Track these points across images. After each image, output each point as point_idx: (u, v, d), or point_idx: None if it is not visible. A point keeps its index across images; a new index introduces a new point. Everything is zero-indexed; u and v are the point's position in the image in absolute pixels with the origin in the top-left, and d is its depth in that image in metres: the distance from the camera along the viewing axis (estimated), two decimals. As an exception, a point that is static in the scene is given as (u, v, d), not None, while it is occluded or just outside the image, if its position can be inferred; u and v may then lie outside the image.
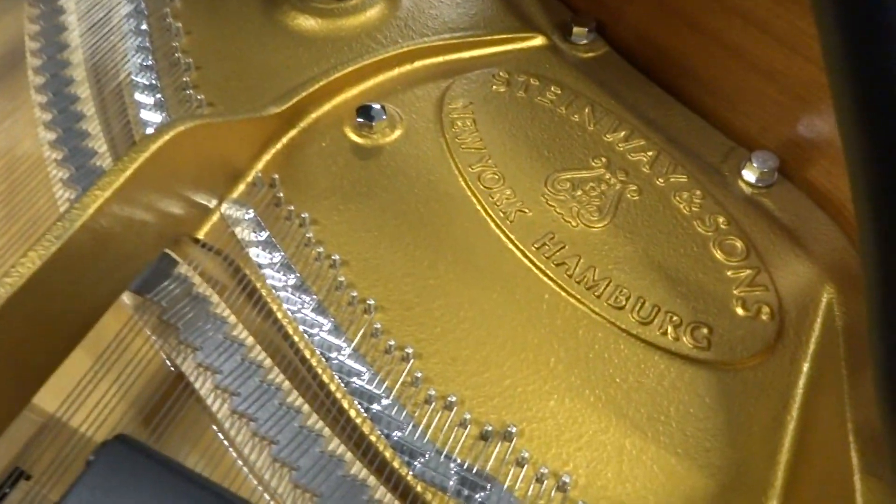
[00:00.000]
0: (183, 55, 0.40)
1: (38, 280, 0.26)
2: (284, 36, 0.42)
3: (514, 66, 0.41)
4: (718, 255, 0.35)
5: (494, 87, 0.40)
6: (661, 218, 0.36)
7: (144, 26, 0.42)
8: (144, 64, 0.40)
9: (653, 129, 0.39)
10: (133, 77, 0.39)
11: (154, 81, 0.39)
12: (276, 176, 0.35)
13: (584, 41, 0.43)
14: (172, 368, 0.31)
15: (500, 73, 0.40)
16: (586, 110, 0.40)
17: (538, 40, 0.43)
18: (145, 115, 0.37)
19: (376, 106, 0.38)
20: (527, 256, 0.34)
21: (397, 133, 0.38)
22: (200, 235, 0.34)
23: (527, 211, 0.36)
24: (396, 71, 0.41)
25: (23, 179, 0.36)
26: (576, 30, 0.42)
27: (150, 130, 0.36)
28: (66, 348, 0.29)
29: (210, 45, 0.41)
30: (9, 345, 0.26)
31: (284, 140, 0.37)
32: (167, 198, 0.32)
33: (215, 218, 0.34)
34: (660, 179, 0.37)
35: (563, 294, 0.33)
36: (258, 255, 0.33)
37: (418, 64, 0.41)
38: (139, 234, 0.31)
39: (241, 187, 0.35)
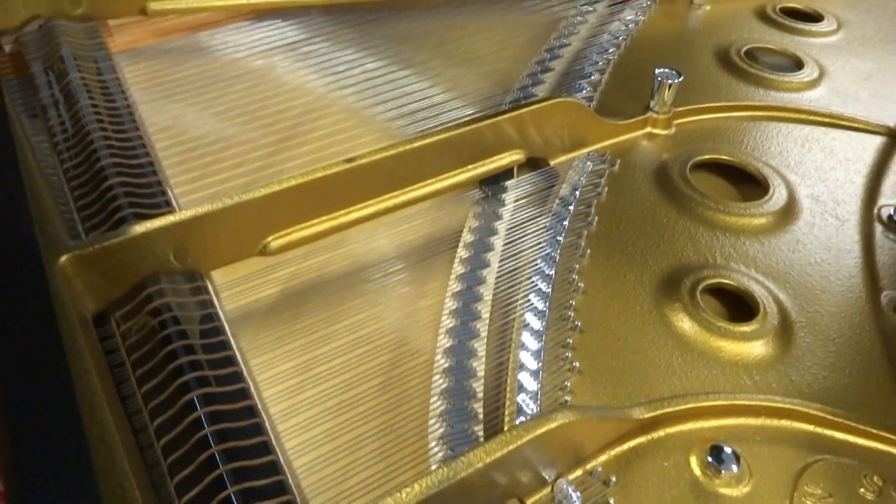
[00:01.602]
0: (574, 313, 0.45)
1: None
2: (665, 330, 0.44)
3: (893, 470, 0.39)
4: None
5: (862, 489, 0.38)
6: None
7: (551, 271, 0.47)
8: (538, 308, 0.45)
9: None
10: (525, 315, 0.44)
11: (541, 327, 0.44)
12: (613, 478, 0.37)
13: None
14: None
15: (874, 478, 0.38)
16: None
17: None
18: (522, 377, 0.41)
19: (730, 451, 0.38)
20: None
21: (742, 490, 0.37)
22: (529, 502, 0.36)
23: None
24: (761, 420, 0.40)
25: (405, 375, 0.42)
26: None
27: (524, 399, 0.39)
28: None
29: (598, 311, 0.45)
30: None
31: (632, 443, 0.39)
32: (526, 469, 0.35)
33: (546, 490, 0.37)
34: None
35: None
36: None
37: (785, 423, 0.40)
38: (487, 491, 0.34)
39: (579, 472, 0.38)
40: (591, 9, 0.79)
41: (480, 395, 0.40)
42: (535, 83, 0.65)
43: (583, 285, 0.46)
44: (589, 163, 0.57)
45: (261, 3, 0.74)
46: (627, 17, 0.77)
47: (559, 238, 0.49)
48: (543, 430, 0.34)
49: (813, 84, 0.68)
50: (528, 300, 0.45)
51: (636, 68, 0.68)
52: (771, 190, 0.54)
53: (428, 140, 0.49)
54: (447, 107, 0.62)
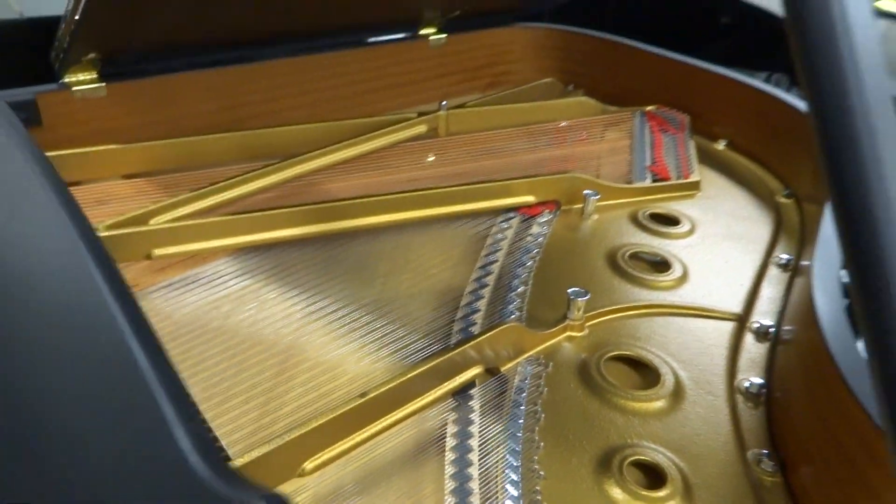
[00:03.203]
0: (540, 496, 0.61)
1: None
2: (604, 499, 0.61)
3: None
4: None
5: None
6: None
7: (518, 463, 0.64)
8: (513, 495, 0.61)
9: None
10: (505, 501, 0.60)
11: (518, 511, 0.59)
12: None
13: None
14: None
15: None
16: None
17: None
18: None
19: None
20: None
21: None
22: None
23: None
24: (681, 564, 0.57)
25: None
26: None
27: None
28: None
29: (556, 491, 0.62)
30: None
31: None
32: None
33: None
34: None
35: None
36: None
37: (697, 562, 0.57)
38: None
39: None
40: (508, 225, 1.01)
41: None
42: (478, 298, 0.84)
43: (543, 472, 0.63)
44: (529, 367, 0.75)
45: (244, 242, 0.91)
46: (536, 231, 1.00)
47: (518, 434, 0.66)
48: None
49: (681, 281, 0.92)
50: (506, 489, 0.61)
51: (550, 277, 0.89)
52: (662, 378, 0.74)
53: (420, 369, 0.67)
54: (416, 332, 0.80)
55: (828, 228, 0.83)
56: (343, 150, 1.15)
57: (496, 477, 0.62)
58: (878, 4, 2.31)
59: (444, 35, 1.47)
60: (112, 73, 1.08)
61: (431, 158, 1.20)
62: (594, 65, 1.53)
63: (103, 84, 1.06)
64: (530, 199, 1.04)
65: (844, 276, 0.74)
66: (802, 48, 0.25)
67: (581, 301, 0.80)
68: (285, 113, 1.28)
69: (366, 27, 1.40)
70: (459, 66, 1.53)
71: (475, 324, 0.80)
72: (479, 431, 0.66)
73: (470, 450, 0.64)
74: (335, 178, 1.13)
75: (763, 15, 2.09)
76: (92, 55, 1.02)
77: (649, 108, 1.38)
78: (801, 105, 1.18)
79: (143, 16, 0.98)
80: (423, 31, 1.46)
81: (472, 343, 0.72)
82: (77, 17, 0.88)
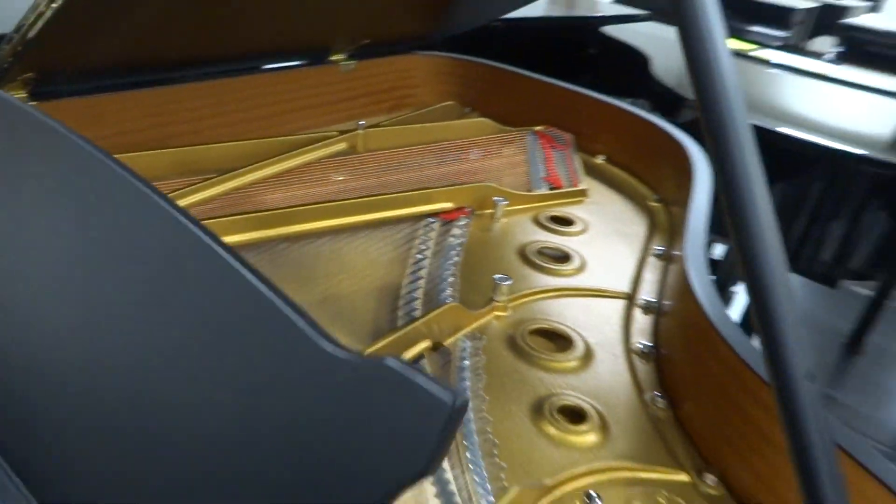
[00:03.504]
0: (491, 435, 0.74)
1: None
2: (540, 435, 0.76)
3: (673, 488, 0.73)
4: None
5: (661, 499, 0.71)
6: None
7: (471, 415, 0.77)
8: (473, 437, 0.74)
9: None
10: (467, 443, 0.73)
11: (477, 448, 0.72)
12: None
13: None
14: None
15: (665, 493, 0.72)
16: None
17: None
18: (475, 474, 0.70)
19: (594, 494, 0.69)
20: None
21: (604, 515, 0.69)
22: None
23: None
24: (607, 475, 0.73)
25: None
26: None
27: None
28: None
29: (504, 432, 0.76)
30: None
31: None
32: None
33: None
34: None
35: None
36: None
37: (616, 475, 0.73)
38: None
39: None
40: (431, 228, 1.15)
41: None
42: (415, 289, 0.97)
43: (491, 418, 0.77)
44: (468, 341, 0.89)
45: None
46: (457, 232, 1.14)
47: (467, 391, 0.80)
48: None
49: (580, 269, 1.09)
50: (464, 431, 0.74)
51: (473, 269, 1.04)
52: (574, 343, 0.90)
53: (376, 345, 0.78)
54: (365, 320, 0.91)
55: (695, 222, 1.04)
56: (274, 165, 1.25)
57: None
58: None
59: (353, 61, 1.59)
60: (43, 91, 1.12)
61: (341, 178, 1.31)
62: (488, 90, 1.72)
63: (35, 103, 1.10)
64: (449, 205, 1.19)
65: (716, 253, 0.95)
66: (696, 81, 0.41)
67: (505, 285, 0.95)
68: (208, 132, 1.36)
69: (282, 53, 1.50)
70: (367, 90, 1.66)
71: (416, 309, 0.93)
72: (434, 392, 0.79)
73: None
74: (267, 191, 1.22)
75: (625, 48, 2.39)
76: (29, 75, 1.06)
77: (538, 128, 1.58)
78: (664, 125, 1.41)
79: (88, 41, 1.04)
80: (333, 57, 1.58)
81: (421, 321, 0.84)
82: (29, 39, 0.93)
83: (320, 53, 1.57)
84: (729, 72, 0.41)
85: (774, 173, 1.65)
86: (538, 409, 0.79)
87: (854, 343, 2.43)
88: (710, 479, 0.73)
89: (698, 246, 0.98)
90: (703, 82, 0.41)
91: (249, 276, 0.44)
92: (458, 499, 0.66)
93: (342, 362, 0.41)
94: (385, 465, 0.38)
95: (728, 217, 0.46)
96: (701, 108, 0.42)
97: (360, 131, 1.40)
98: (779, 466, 0.68)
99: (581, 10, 2.91)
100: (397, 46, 1.69)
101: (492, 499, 0.65)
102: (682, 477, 0.74)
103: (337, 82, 1.60)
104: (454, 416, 0.37)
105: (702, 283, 0.86)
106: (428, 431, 0.37)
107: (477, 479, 0.68)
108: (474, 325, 0.92)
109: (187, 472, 0.46)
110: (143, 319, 0.50)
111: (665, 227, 1.26)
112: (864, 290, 2.49)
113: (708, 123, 0.44)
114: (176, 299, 0.48)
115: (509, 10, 1.98)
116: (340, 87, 1.61)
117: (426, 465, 0.37)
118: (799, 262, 1.76)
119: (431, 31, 1.74)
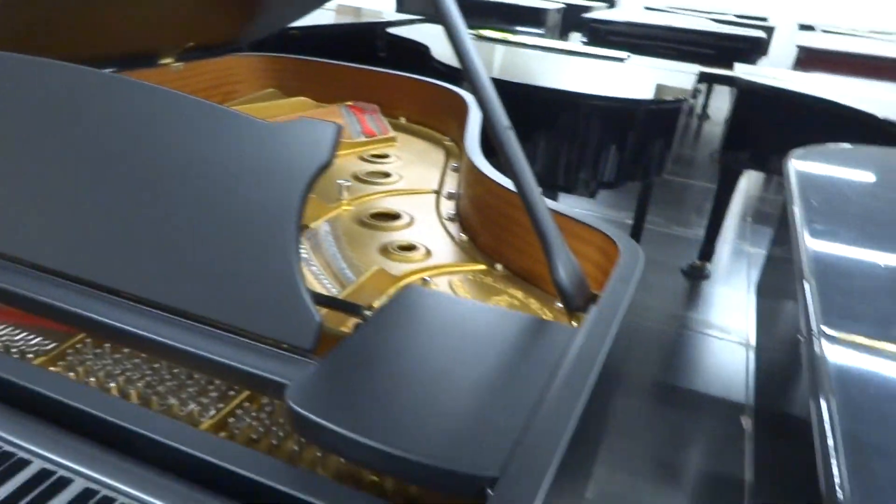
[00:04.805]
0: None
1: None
2: (387, 261, 1.13)
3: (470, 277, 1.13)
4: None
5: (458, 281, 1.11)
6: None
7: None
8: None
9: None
10: (338, 270, 1.08)
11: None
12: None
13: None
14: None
15: (462, 277, 1.11)
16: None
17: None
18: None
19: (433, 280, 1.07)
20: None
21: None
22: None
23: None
24: (438, 271, 1.11)
25: None
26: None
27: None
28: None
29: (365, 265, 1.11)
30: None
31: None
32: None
33: (377, 308, 1.01)
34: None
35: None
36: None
37: (444, 269, 1.12)
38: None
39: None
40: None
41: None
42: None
43: (352, 254, 1.12)
44: (325, 224, 1.24)
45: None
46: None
47: (337, 256, 1.14)
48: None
49: (399, 180, 1.48)
50: (341, 269, 1.09)
51: (322, 186, 1.39)
52: (402, 216, 1.28)
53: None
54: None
55: (471, 132, 1.47)
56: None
57: (330, 265, 1.09)
58: (481, 32, 3.25)
59: (181, 63, 1.87)
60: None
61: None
62: (300, 78, 2.06)
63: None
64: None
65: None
66: (458, 56, 0.81)
67: (345, 187, 1.31)
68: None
69: (119, 58, 1.74)
70: (198, 86, 1.94)
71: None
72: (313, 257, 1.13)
73: (310, 263, 1.11)
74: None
75: (409, 42, 2.86)
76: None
77: (349, 102, 1.95)
78: (444, 84, 1.85)
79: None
80: (163, 61, 1.85)
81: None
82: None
83: (151, 58, 1.82)
84: (473, 49, 0.81)
85: (541, 116, 2.17)
86: (384, 250, 1.16)
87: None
88: (499, 266, 1.15)
89: (475, 143, 1.40)
90: (461, 57, 0.81)
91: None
92: (326, 281, 1.01)
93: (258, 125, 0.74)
94: (296, 164, 0.71)
95: (488, 126, 0.86)
96: (464, 72, 0.82)
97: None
98: (531, 242, 1.11)
99: (368, 18, 3.35)
100: (214, 50, 1.99)
101: (353, 276, 1.00)
102: (481, 266, 1.15)
103: (171, 81, 1.86)
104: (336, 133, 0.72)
105: (476, 157, 1.29)
106: (324, 137, 0.71)
107: (343, 268, 1.04)
108: (328, 216, 1.27)
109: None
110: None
111: (457, 154, 1.69)
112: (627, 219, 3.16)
113: (469, 79, 0.83)
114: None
115: (298, 17, 2.32)
116: (175, 84, 1.87)
117: (328, 157, 0.70)
118: (566, 181, 2.30)
119: (239, 36, 2.05)
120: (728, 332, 2.72)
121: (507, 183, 1.15)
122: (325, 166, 0.72)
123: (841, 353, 0.86)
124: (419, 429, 0.57)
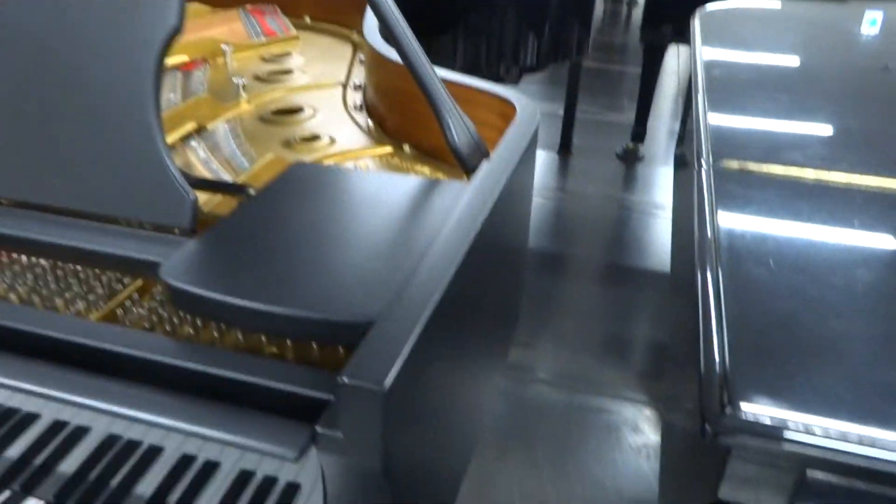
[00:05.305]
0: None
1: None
2: (294, 153, 1.09)
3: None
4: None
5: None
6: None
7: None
8: (241, 162, 1.05)
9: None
10: (237, 166, 1.04)
11: (246, 167, 1.04)
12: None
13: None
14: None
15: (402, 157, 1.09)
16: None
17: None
18: None
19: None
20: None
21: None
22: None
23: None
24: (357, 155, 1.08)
25: None
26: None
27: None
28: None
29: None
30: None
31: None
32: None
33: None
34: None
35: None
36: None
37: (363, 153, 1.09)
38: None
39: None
40: (175, 76, 1.40)
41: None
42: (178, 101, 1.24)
43: (254, 153, 1.08)
44: (223, 124, 1.18)
45: None
46: (199, 76, 1.40)
47: (236, 151, 1.10)
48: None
49: (304, 74, 1.42)
50: (239, 160, 1.05)
51: (222, 86, 1.32)
52: (305, 110, 1.24)
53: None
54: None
55: (369, 20, 1.40)
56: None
57: (231, 162, 1.05)
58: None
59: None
60: None
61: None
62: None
63: None
64: (184, 58, 1.44)
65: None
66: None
67: (241, 85, 1.25)
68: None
69: None
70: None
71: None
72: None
73: (210, 160, 1.06)
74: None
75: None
76: None
77: (246, 6, 1.84)
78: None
79: None
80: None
81: (183, 105, 1.12)
82: None
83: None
84: None
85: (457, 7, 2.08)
86: (286, 143, 1.12)
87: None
88: (406, 147, 1.12)
89: (373, 29, 1.34)
90: None
91: None
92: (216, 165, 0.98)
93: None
94: (144, 35, 0.66)
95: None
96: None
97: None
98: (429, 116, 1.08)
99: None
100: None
101: (247, 164, 0.97)
102: (388, 149, 1.12)
103: None
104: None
105: (374, 40, 1.24)
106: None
107: (243, 164, 1.00)
108: (227, 115, 1.22)
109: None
110: None
111: (362, 45, 1.62)
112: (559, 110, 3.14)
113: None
114: None
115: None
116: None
117: (176, 22, 0.65)
118: (488, 71, 2.25)
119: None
120: (663, 207, 2.77)
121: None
122: (176, 33, 0.67)
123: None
124: (296, 288, 0.56)
